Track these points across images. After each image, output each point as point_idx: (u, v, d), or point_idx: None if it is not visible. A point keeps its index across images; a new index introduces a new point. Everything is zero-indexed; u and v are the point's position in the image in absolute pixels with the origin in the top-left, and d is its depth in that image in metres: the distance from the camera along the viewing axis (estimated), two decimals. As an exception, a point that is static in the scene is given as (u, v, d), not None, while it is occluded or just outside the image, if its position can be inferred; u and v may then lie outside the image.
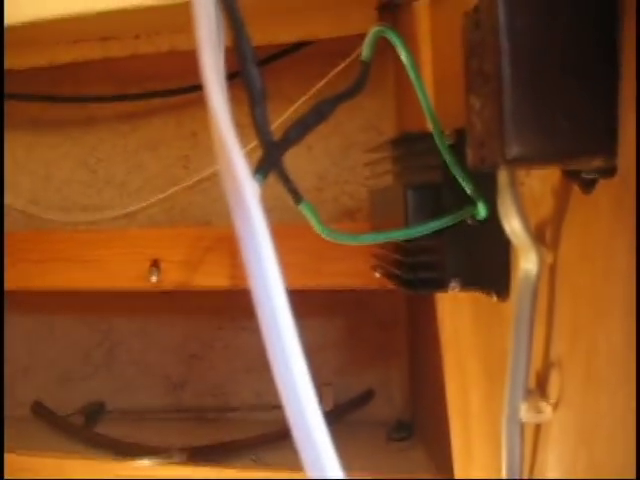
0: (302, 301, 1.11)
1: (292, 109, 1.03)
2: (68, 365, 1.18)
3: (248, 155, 0.38)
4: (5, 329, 1.19)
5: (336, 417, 1.05)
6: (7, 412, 1.18)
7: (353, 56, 0.98)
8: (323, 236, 0.46)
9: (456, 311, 0.70)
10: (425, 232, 0.50)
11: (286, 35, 0.98)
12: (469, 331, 0.67)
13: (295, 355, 0.29)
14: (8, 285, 1.00)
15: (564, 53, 0.37)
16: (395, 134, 1.03)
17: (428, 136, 0.54)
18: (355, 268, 0.86)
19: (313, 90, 1.01)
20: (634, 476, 0.36)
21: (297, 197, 0.42)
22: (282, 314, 0.31)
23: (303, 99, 1.01)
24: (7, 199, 1.14)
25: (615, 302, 0.39)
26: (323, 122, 0.42)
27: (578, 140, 0.38)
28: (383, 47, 0.99)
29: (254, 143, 0.38)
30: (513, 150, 0.37)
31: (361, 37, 0.96)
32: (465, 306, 0.68)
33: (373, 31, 0.49)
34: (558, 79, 0.37)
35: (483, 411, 0.66)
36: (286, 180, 0.41)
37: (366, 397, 1.06)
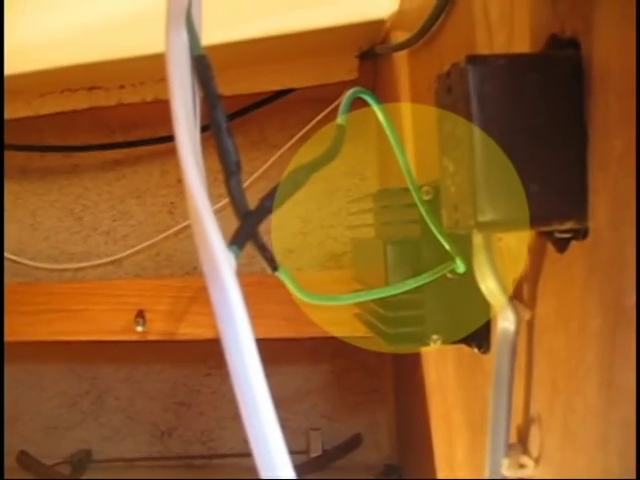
0: (288, 347, 1.12)
1: (276, 156, 1.04)
2: (55, 414, 1.17)
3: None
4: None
5: (324, 462, 1.04)
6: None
7: (336, 103, 0.99)
8: (304, 300, 0.46)
9: (441, 360, 0.70)
10: (404, 290, 0.51)
11: (269, 83, 0.99)
12: (453, 381, 0.68)
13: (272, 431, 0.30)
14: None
15: (533, 118, 0.38)
16: (378, 180, 1.04)
17: (408, 191, 0.55)
18: (338, 317, 0.86)
19: (297, 137, 1.02)
20: (634, 476, 0.36)
21: (273, 265, 0.43)
22: (258, 390, 0.31)
23: (287, 146, 1.03)
24: (-6, 248, 1.14)
25: (589, 362, 0.39)
26: (298, 190, 0.42)
27: (549, 204, 0.38)
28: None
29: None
30: (485, 216, 0.38)
31: (343, 84, 0.98)
32: (449, 356, 0.68)
33: (348, 94, 0.50)
34: (527, 144, 0.38)
35: (467, 461, 0.66)
36: (262, 249, 0.42)
37: (354, 442, 1.06)
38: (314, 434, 1.07)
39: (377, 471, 1.03)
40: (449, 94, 0.41)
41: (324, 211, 1.07)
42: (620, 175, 0.35)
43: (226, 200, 1.09)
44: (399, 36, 0.78)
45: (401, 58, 0.79)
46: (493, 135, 0.38)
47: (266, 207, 0.40)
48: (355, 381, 1.09)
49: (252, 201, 1.13)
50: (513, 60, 0.39)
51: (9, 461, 1.15)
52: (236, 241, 0.38)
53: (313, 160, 0.44)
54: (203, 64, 0.35)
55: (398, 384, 1.06)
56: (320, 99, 0.98)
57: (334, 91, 1.00)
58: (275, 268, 0.42)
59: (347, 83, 0.98)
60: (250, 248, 1.12)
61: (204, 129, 0.35)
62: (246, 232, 0.38)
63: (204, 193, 0.34)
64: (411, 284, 0.50)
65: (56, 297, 0.97)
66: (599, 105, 0.37)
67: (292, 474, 0.29)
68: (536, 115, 0.38)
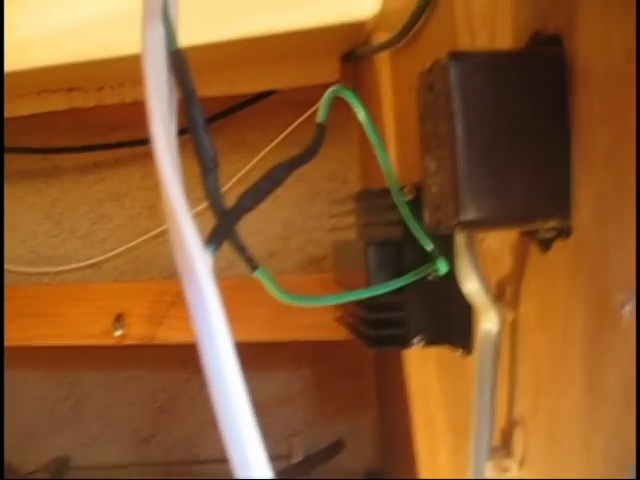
0: (269, 352, 1.11)
1: (257, 159, 1.03)
2: (32, 420, 1.15)
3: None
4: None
5: (306, 468, 1.03)
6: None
7: (317, 105, 0.99)
8: (283, 301, 0.45)
9: (423, 364, 0.69)
10: (386, 291, 0.50)
11: (250, 85, 0.98)
12: (435, 385, 0.67)
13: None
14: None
15: (516, 115, 0.38)
16: (360, 184, 1.04)
17: (389, 191, 0.54)
18: (319, 320, 0.85)
19: (278, 139, 1.01)
20: (634, 476, 0.35)
21: (252, 265, 0.42)
22: (234, 389, 0.30)
23: (268, 148, 1.02)
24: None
25: (573, 364, 0.39)
26: (277, 188, 0.41)
27: (532, 203, 0.38)
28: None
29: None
30: (467, 214, 0.37)
31: (324, 86, 0.97)
32: (431, 359, 0.68)
33: (329, 92, 0.49)
34: (511, 142, 0.38)
35: (450, 464, 0.65)
36: (240, 249, 0.41)
37: (336, 447, 1.05)
38: (295, 440, 1.06)
39: (359, 477, 1.02)
40: (431, 91, 0.41)
41: (306, 215, 1.06)
42: (604, 173, 0.34)
43: (206, 204, 1.08)
44: (381, 37, 0.78)
45: (383, 60, 0.79)
46: (475, 133, 0.37)
47: (244, 206, 0.39)
48: (337, 386, 1.08)
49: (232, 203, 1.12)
50: (496, 57, 0.38)
51: (-15, 468, 1.14)
52: (212, 240, 0.37)
53: (291, 159, 0.43)
54: (179, 59, 0.35)
55: (380, 389, 1.05)
56: (301, 101, 0.97)
57: (315, 93, 0.99)
58: (254, 268, 0.42)
59: (329, 85, 0.97)
60: (230, 252, 1.11)
61: (183, 132, 0.34)
62: (223, 231, 0.37)
63: (180, 191, 0.33)
64: (392, 285, 0.49)
65: (33, 301, 0.95)
66: (582, 103, 0.36)
67: (268, 473, 0.28)
68: (519, 112, 0.37)
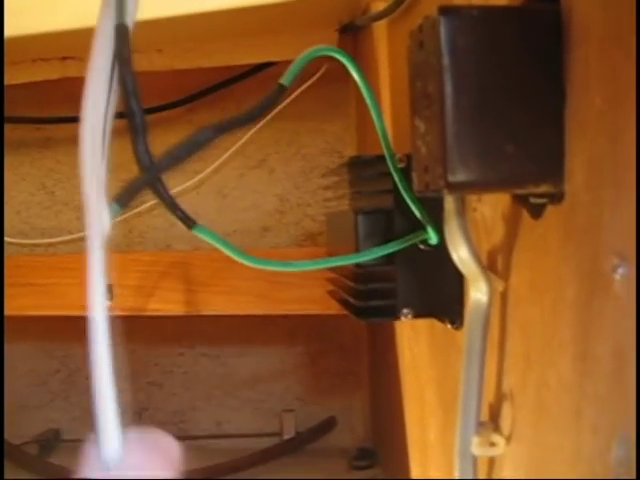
0: (263, 328, 1.09)
1: (253, 131, 1.01)
2: (24, 393, 1.14)
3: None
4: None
5: (297, 445, 1.02)
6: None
7: (314, 78, 0.97)
8: (245, 263, 0.43)
9: (414, 339, 0.68)
10: (372, 257, 0.49)
11: (248, 57, 0.97)
12: (427, 360, 0.66)
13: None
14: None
15: (509, 75, 0.36)
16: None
17: (381, 159, 0.52)
18: (311, 294, 0.84)
19: (274, 111, 0.99)
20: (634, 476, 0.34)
21: (188, 223, 0.40)
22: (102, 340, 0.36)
23: (264, 121, 1.00)
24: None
25: (564, 333, 0.37)
26: (200, 150, 0.40)
27: (524, 166, 0.36)
28: (345, 71, 0.98)
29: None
30: (456, 176, 0.36)
31: (322, 59, 0.96)
32: (423, 334, 0.66)
33: (308, 52, 0.46)
34: (503, 101, 0.36)
35: (439, 442, 0.64)
36: (173, 208, 0.39)
37: (328, 425, 1.04)
38: (287, 416, 1.06)
39: (351, 455, 1.01)
40: (421, 49, 0.39)
41: (301, 189, 1.05)
42: (599, 133, 0.33)
43: (192, 181, 1.06)
44: (379, 7, 0.76)
45: (380, 29, 0.77)
46: (466, 91, 0.36)
47: (166, 164, 0.38)
48: (330, 363, 1.07)
49: (227, 180, 1.11)
50: (489, 11, 0.37)
51: (-24, 439, 1.13)
52: (119, 198, 0.37)
53: (229, 119, 0.42)
54: (121, 32, 0.36)
55: (373, 367, 1.04)
56: (299, 74, 0.95)
57: (313, 66, 0.98)
58: (190, 226, 0.40)
59: (326, 59, 0.96)
60: (229, 223, 1.09)
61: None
62: (132, 190, 0.37)
63: (97, 152, 0.36)
64: (379, 252, 0.48)
65: (23, 270, 0.94)
66: (578, 60, 0.35)
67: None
68: (512, 71, 0.36)
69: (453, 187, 0.36)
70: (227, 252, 0.42)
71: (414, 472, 0.72)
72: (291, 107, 0.99)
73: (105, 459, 0.33)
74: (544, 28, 0.36)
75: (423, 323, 0.64)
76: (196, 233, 0.40)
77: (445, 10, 0.36)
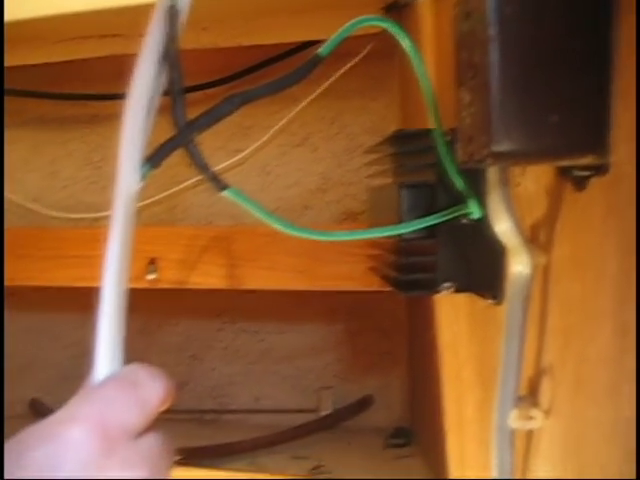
0: (303, 305, 1.10)
1: (296, 110, 1.02)
2: (68, 363, 1.17)
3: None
4: (5, 325, 1.18)
5: (334, 422, 1.03)
6: (5, 409, 1.17)
7: (359, 57, 0.97)
8: (281, 229, 0.44)
9: (454, 317, 0.68)
10: (414, 229, 0.49)
11: (292, 35, 0.97)
12: (466, 337, 0.66)
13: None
14: (10, 281, 0.99)
15: (555, 44, 0.36)
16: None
17: (424, 133, 0.53)
18: (352, 270, 0.84)
19: (319, 90, 1.00)
20: (634, 476, 0.34)
21: (219, 185, 0.42)
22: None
23: (307, 100, 1.00)
24: (13, 196, 1.13)
25: (605, 308, 0.37)
26: (232, 113, 0.42)
27: (568, 136, 0.36)
28: (389, 50, 0.98)
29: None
30: (500, 145, 0.36)
31: (367, 37, 0.95)
32: (462, 311, 0.66)
33: (351, 22, 0.46)
34: (548, 71, 0.36)
35: (477, 418, 0.64)
36: (203, 168, 0.41)
37: (365, 403, 1.04)
38: (325, 393, 1.06)
39: (387, 433, 1.01)
40: (467, 19, 0.39)
41: (344, 168, 1.05)
42: (646, 102, 0.33)
43: (236, 158, 1.06)
44: (425, -15, 0.76)
45: (425, 6, 0.77)
46: (512, 60, 0.36)
47: (198, 124, 0.41)
48: (369, 342, 1.08)
49: (270, 158, 1.11)
50: (537, -20, 0.36)
51: (21, 408, 1.16)
52: (151, 158, 0.39)
53: (259, 86, 0.43)
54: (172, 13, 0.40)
55: (411, 347, 1.04)
56: (342, 53, 0.95)
57: (358, 44, 0.98)
58: (222, 188, 0.41)
59: (371, 36, 0.95)
60: (271, 200, 1.09)
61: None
62: (162, 152, 0.39)
63: (139, 118, 0.40)
64: (418, 224, 0.48)
65: (68, 243, 0.95)
66: (627, 29, 0.35)
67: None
68: (558, 40, 0.36)
69: (497, 157, 0.36)
70: (259, 215, 0.43)
71: (450, 449, 0.72)
72: (335, 85, 0.99)
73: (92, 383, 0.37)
74: (593, -4, 0.36)
75: (462, 301, 0.64)
76: (227, 195, 0.41)
77: (493, -21, 0.36)
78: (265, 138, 1.04)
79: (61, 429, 0.33)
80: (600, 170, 0.37)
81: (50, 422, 0.34)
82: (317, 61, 0.45)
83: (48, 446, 0.32)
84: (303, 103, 1.01)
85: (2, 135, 1.12)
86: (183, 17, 0.41)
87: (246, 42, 0.96)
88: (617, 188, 0.36)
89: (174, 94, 0.41)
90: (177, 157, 1.09)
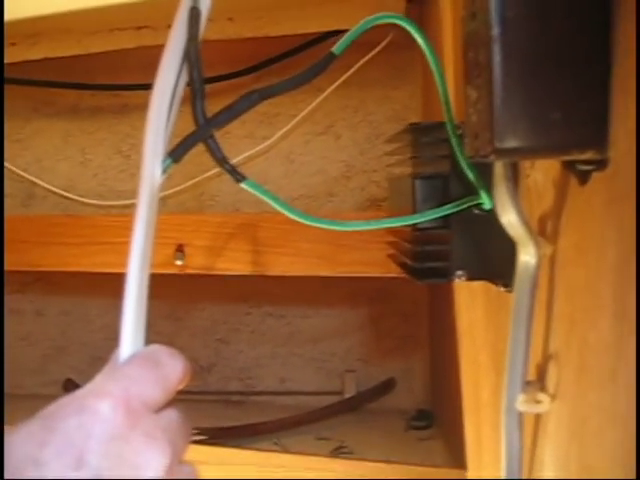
0: (327, 290, 1.12)
1: (320, 98, 1.03)
2: (100, 345, 1.20)
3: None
4: (41, 308, 1.22)
5: (358, 404, 1.06)
6: (40, 390, 1.21)
7: (381, 46, 0.98)
8: (298, 220, 0.46)
9: (471, 303, 0.70)
10: (427, 219, 0.51)
11: (315, 25, 0.98)
12: (482, 323, 0.68)
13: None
14: (44, 266, 1.03)
15: (557, 44, 0.37)
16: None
17: (439, 126, 0.54)
18: (373, 257, 0.86)
19: (341, 79, 1.02)
20: (634, 476, 0.36)
21: (237, 177, 0.44)
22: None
23: (331, 88, 1.02)
24: (46, 184, 1.17)
25: (605, 295, 0.39)
26: (249, 110, 0.43)
27: (569, 132, 0.38)
28: (411, 40, 0.99)
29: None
30: (503, 142, 0.38)
31: (389, 27, 0.96)
32: (479, 298, 0.68)
33: (366, 20, 0.48)
34: (550, 70, 0.37)
35: (492, 402, 0.66)
36: (222, 161, 0.43)
37: (388, 386, 1.06)
38: (349, 376, 1.09)
39: (409, 415, 1.03)
40: (473, 20, 0.41)
41: (367, 156, 1.07)
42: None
43: (261, 146, 1.08)
44: (445, -24, 0.77)
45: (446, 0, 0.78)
46: (514, 60, 0.37)
47: (217, 121, 0.43)
48: (391, 326, 1.10)
49: (295, 146, 1.13)
50: (539, -18, 0.38)
51: (56, 389, 1.20)
52: (173, 152, 0.41)
53: (276, 84, 0.44)
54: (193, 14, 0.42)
55: (433, 331, 1.06)
56: (365, 42, 0.96)
57: (380, 34, 0.99)
58: (239, 179, 0.43)
59: (392, 26, 0.96)
60: (296, 187, 1.12)
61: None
62: (185, 146, 0.41)
63: (162, 113, 0.42)
64: (432, 214, 0.50)
65: (100, 230, 0.99)
66: (625, 29, 0.36)
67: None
68: (560, 39, 0.37)
69: (500, 153, 0.38)
70: (276, 206, 0.45)
71: (468, 432, 0.74)
72: (358, 75, 1.01)
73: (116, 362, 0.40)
74: (593, -2, 0.37)
75: (479, 288, 0.65)
76: (245, 187, 0.44)
77: (496, -18, 0.37)
78: (289, 126, 1.06)
79: (91, 402, 0.35)
80: (600, 164, 0.39)
81: (81, 395, 0.36)
82: (331, 59, 0.47)
83: (80, 417, 0.35)
84: (326, 92, 1.03)
85: (2, 127, 1.16)
86: (204, 17, 0.44)
87: (272, 33, 0.98)
88: (616, 181, 0.37)
89: (194, 91, 0.43)
90: (203, 147, 1.11)
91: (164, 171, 0.43)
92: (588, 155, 0.38)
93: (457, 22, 0.75)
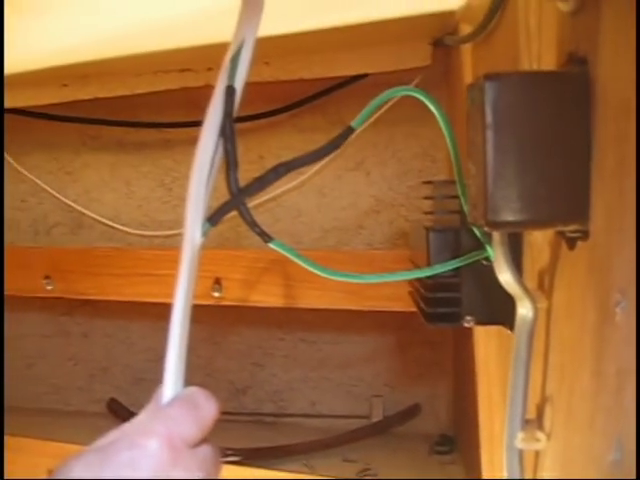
0: (356, 318, 1.17)
1: (353, 136, 1.09)
2: (142, 367, 1.27)
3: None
4: (87, 331, 1.30)
5: (384, 428, 1.10)
6: (86, 407, 1.29)
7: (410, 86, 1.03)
8: (318, 274, 0.51)
9: (487, 340, 0.75)
10: (436, 272, 0.56)
11: (345, 69, 1.04)
12: (495, 361, 0.72)
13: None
14: (90, 295, 1.11)
15: (543, 130, 0.42)
16: (448, 163, 1.08)
17: (450, 183, 0.59)
18: (398, 292, 0.91)
19: (371, 119, 1.07)
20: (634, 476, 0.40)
21: (265, 238, 0.49)
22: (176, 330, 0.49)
23: (362, 127, 1.07)
24: (93, 213, 1.25)
25: (586, 351, 0.44)
26: (278, 180, 0.49)
27: (555, 208, 0.43)
28: (438, 80, 1.05)
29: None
30: (495, 216, 0.43)
31: (416, 70, 1.02)
32: (493, 337, 0.73)
33: (382, 95, 0.53)
34: (538, 153, 0.43)
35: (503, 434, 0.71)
36: (252, 225, 0.48)
37: (413, 411, 1.11)
38: (376, 400, 1.14)
39: (433, 440, 1.08)
40: (473, 105, 0.46)
41: (395, 191, 1.12)
42: (612, 187, 0.39)
43: (296, 181, 1.15)
44: (466, 29, 0.82)
45: (466, 50, 0.83)
46: (506, 144, 0.43)
47: (248, 191, 0.48)
48: (418, 354, 1.15)
49: (327, 181, 1.19)
50: (526, 77, 0.43)
51: (100, 407, 1.27)
52: (211, 217, 0.47)
53: (299, 157, 0.50)
54: (229, 92, 0.48)
55: (457, 359, 1.10)
56: (394, 84, 1.01)
57: (406, 76, 1.05)
58: (267, 240, 0.49)
59: (420, 69, 1.02)
60: (328, 220, 1.18)
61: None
62: (222, 211, 0.47)
63: (202, 184, 0.48)
64: (444, 267, 0.55)
65: (143, 262, 1.06)
66: (599, 121, 0.41)
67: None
68: (546, 127, 0.42)
69: (493, 225, 0.43)
70: (299, 262, 0.50)
71: (483, 460, 0.79)
72: (388, 113, 1.06)
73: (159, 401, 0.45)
74: (575, 90, 0.42)
75: (494, 327, 0.70)
76: (273, 247, 0.49)
77: (490, 77, 0.43)
78: (322, 162, 1.12)
79: (141, 440, 0.41)
80: (583, 235, 0.44)
81: (130, 432, 0.42)
82: (349, 133, 0.53)
83: (131, 452, 0.41)
84: (357, 131, 1.08)
85: (2, 156, 1.23)
86: (239, 94, 0.49)
87: (305, 76, 1.04)
88: (594, 253, 0.42)
89: (228, 163, 0.48)
90: (242, 180, 1.18)
91: (204, 234, 0.48)
92: (572, 227, 0.43)
93: (476, 75, 0.81)
